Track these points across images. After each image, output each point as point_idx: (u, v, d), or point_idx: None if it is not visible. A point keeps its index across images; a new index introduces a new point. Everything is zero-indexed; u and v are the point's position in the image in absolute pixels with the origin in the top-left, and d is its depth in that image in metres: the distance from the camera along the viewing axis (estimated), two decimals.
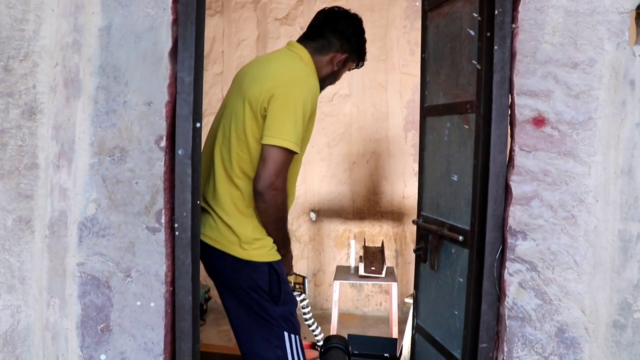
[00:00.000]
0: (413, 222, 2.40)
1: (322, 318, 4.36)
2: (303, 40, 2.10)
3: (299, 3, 4.70)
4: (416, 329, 2.42)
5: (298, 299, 2.47)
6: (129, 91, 1.71)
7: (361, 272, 3.85)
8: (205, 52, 4.79)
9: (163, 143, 1.70)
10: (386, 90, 4.73)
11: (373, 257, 3.98)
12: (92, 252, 1.73)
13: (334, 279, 3.89)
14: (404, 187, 4.73)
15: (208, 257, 1.95)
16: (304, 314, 2.77)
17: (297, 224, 4.84)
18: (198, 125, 1.74)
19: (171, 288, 1.74)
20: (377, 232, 4.77)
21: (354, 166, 4.80)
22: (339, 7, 2.15)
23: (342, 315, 4.32)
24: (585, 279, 1.66)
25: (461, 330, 1.93)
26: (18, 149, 1.69)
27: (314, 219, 4.82)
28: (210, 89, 4.79)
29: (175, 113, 1.71)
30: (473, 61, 1.88)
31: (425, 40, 2.38)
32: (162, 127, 1.70)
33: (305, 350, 2.10)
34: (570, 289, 1.66)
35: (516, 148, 1.67)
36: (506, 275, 1.69)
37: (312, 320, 2.75)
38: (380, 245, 4.22)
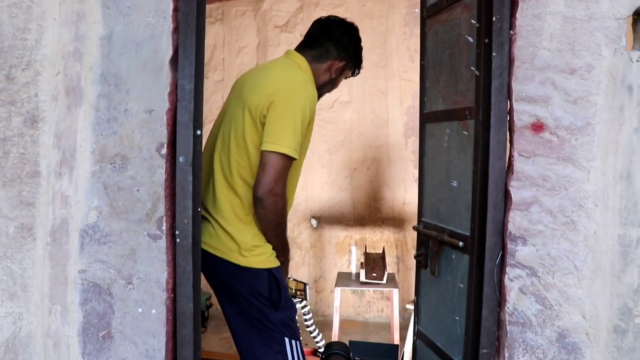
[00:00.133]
0: (413, 228, 2.40)
1: (324, 324, 4.36)
2: (301, 48, 2.13)
3: (299, 10, 4.73)
4: (417, 335, 2.42)
5: (299, 305, 2.47)
6: (130, 99, 1.72)
7: (362, 278, 3.84)
8: (206, 60, 4.81)
9: (164, 150, 1.71)
10: (386, 96, 4.74)
11: (374, 263, 3.98)
12: (94, 259, 1.73)
13: (335, 286, 3.88)
14: (405, 193, 4.73)
15: (208, 264, 1.95)
16: (305, 320, 2.77)
17: (298, 231, 4.85)
18: (199, 132, 1.74)
19: (172, 295, 1.74)
20: (378, 239, 4.77)
21: (354, 173, 4.81)
22: (335, 16, 2.19)
23: (343, 322, 4.31)
24: (585, 284, 1.66)
25: (462, 336, 1.93)
26: (20, 157, 1.70)
27: (315, 225, 4.83)
28: (211, 96, 4.81)
29: (176, 120, 1.71)
30: (471, 67, 1.88)
31: (424, 47, 2.39)
32: (163, 134, 1.71)
33: (306, 357, 2.10)
34: (570, 294, 1.67)
35: (515, 154, 1.68)
36: (506, 281, 1.69)
37: (314, 326, 2.75)
38: (381, 251, 4.22)
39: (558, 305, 1.67)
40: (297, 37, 4.60)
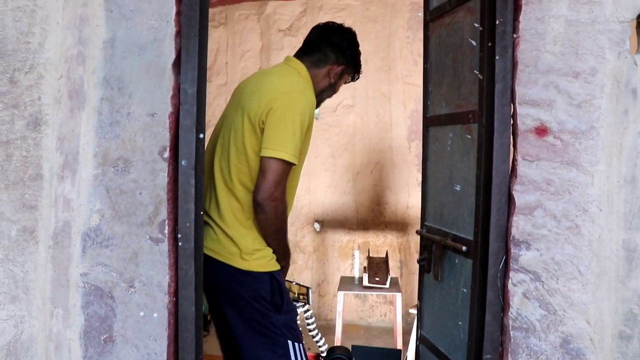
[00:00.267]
0: (416, 232, 2.40)
1: (326, 329, 4.35)
2: (300, 54, 2.16)
3: (302, 14, 4.73)
4: (420, 339, 2.41)
5: (302, 309, 2.47)
6: (132, 103, 1.72)
7: (365, 282, 3.83)
8: (209, 64, 4.82)
9: (166, 154, 1.71)
10: (389, 100, 4.74)
11: (377, 267, 3.97)
12: (96, 263, 1.73)
13: (338, 290, 3.88)
14: (408, 197, 4.72)
15: (209, 269, 1.95)
16: (308, 324, 2.77)
17: (301, 235, 4.84)
18: (201, 136, 1.74)
19: (174, 299, 1.74)
20: (381, 243, 4.77)
21: (357, 176, 4.80)
22: (333, 22, 2.22)
23: (346, 326, 4.30)
24: (589, 289, 1.65)
25: (465, 341, 1.92)
26: (23, 160, 1.70)
27: (318, 229, 4.82)
28: (214, 99, 4.82)
29: (178, 124, 1.71)
30: (475, 71, 1.88)
31: (428, 51, 2.38)
32: (165, 138, 1.71)
33: None
34: (574, 300, 1.65)
35: (519, 158, 1.67)
36: (510, 286, 1.68)
37: (316, 331, 2.75)
38: (384, 255, 4.21)
39: (562, 310, 1.66)
40: (301, 40, 4.55)
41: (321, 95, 2.17)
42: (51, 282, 1.73)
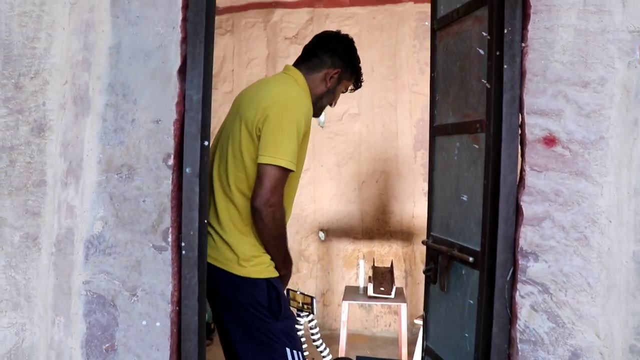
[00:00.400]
0: (423, 242, 2.37)
1: (331, 339, 4.32)
2: (298, 63, 2.20)
3: (309, 22, 4.74)
4: (426, 351, 2.38)
5: (306, 319, 2.45)
6: (137, 109, 1.71)
7: (370, 292, 3.81)
8: (216, 71, 4.83)
9: (171, 161, 1.70)
10: (395, 109, 4.73)
11: (382, 277, 3.94)
12: (98, 270, 1.72)
13: (343, 300, 3.85)
14: (414, 207, 4.70)
15: (209, 276, 1.94)
16: (312, 334, 2.74)
17: (306, 244, 4.82)
18: (206, 143, 1.74)
19: (177, 308, 1.72)
20: (387, 252, 4.74)
21: (363, 185, 4.78)
22: (330, 31, 2.27)
23: (350, 336, 4.27)
24: (599, 301, 1.62)
25: (472, 353, 1.90)
26: (26, 166, 1.69)
27: (322, 238, 4.80)
28: (220, 107, 4.81)
29: (183, 131, 1.70)
30: (482, 80, 1.86)
31: (435, 60, 2.37)
32: (170, 145, 1.70)
33: None
34: (583, 312, 1.63)
35: (527, 168, 1.65)
36: (517, 298, 1.66)
37: (320, 340, 2.73)
38: (389, 265, 4.18)
39: (571, 323, 1.63)
40: None
41: (320, 102, 2.18)
42: (53, 289, 1.71)
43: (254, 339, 1.97)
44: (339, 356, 3.69)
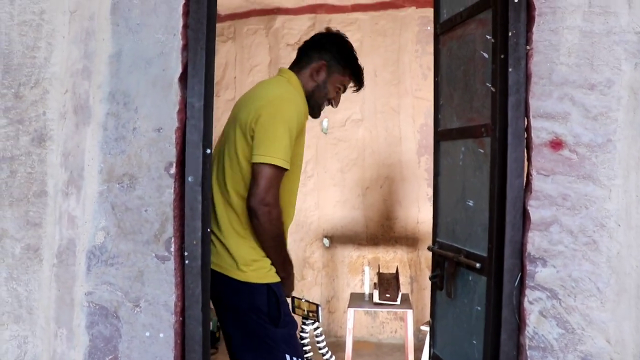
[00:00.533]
0: (428, 248, 2.35)
1: (336, 346, 4.29)
2: (291, 65, 2.21)
3: (311, 28, 4.73)
4: (433, 358, 2.35)
5: (312, 327, 2.42)
6: (138, 117, 1.70)
7: (376, 299, 3.78)
8: (218, 78, 4.82)
9: (173, 170, 1.68)
10: (399, 114, 4.71)
11: (388, 283, 3.91)
12: (101, 281, 1.70)
13: (348, 307, 3.82)
14: (418, 212, 4.67)
15: (212, 281, 1.93)
16: (318, 342, 2.71)
17: (311, 250, 4.80)
18: (208, 151, 1.72)
19: (181, 318, 1.70)
20: (392, 258, 4.71)
21: (367, 191, 4.76)
22: (321, 31, 2.28)
23: (356, 343, 4.24)
24: (609, 306, 1.60)
25: None
26: (27, 176, 1.67)
27: (327, 245, 4.78)
28: (223, 114, 4.78)
29: (185, 139, 1.69)
30: (487, 84, 1.85)
31: (438, 64, 2.35)
32: (171, 153, 1.68)
33: None
34: (593, 318, 1.60)
35: (533, 172, 1.63)
36: (526, 304, 1.63)
37: (326, 348, 2.69)
38: (394, 271, 4.15)
39: (581, 329, 1.60)
40: None
41: (313, 99, 2.14)
42: (55, 301, 1.70)
43: (253, 344, 1.96)
44: None
